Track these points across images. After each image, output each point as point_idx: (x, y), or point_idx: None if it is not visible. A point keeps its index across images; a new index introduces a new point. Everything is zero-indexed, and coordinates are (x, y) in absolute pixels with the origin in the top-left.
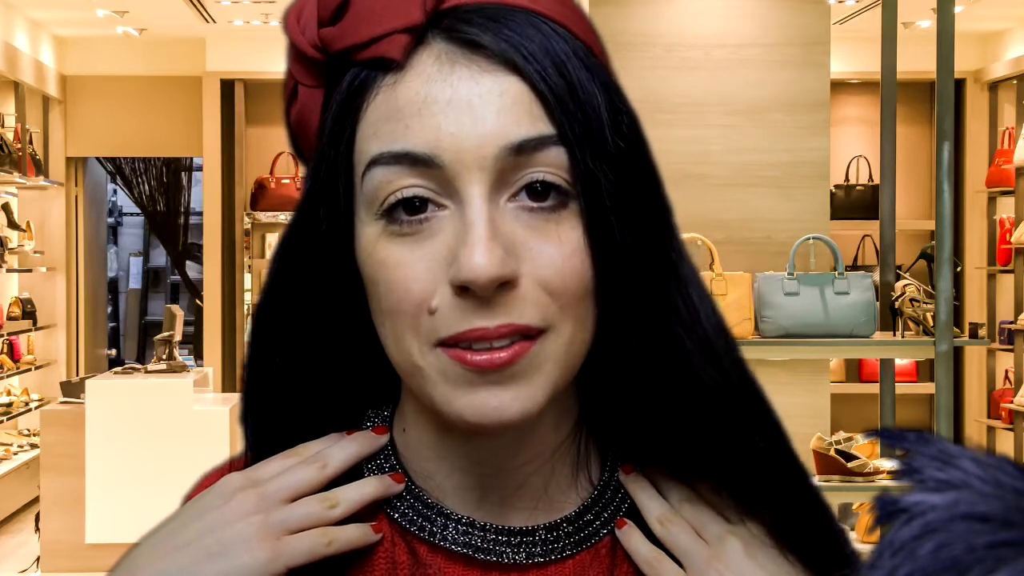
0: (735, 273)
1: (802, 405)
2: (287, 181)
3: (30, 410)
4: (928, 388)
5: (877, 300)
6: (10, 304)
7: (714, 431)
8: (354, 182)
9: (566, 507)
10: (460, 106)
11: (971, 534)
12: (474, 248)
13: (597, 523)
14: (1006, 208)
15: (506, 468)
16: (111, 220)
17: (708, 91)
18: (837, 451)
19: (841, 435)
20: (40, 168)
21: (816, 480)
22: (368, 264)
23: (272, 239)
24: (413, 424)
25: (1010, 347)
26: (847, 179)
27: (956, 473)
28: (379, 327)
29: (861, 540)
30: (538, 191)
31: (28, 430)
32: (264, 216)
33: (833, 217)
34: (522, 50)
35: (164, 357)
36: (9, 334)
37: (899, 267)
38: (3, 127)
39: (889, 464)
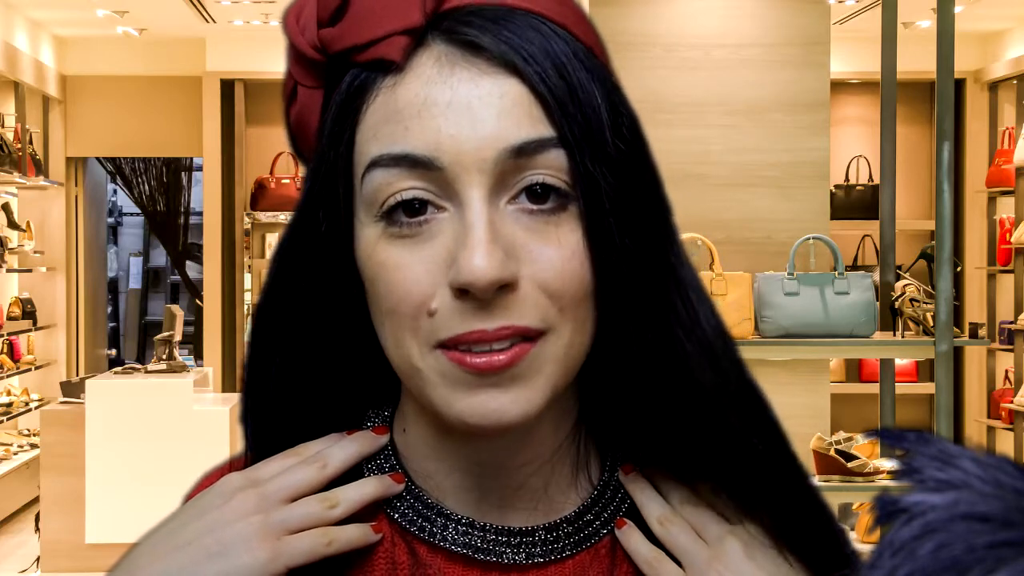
0: (735, 273)
1: (802, 405)
2: (287, 181)
3: (30, 410)
4: (928, 388)
5: (877, 300)
6: (10, 304)
7: (713, 433)
8: (354, 183)
9: (566, 507)
10: (460, 108)
11: (971, 534)
12: (474, 251)
13: (597, 523)
14: (1006, 208)
15: (506, 468)
16: (111, 220)
17: (708, 91)
18: (837, 451)
19: (841, 435)
20: (40, 168)
21: (816, 480)
22: (368, 266)
23: (272, 239)
24: (413, 424)
25: (1010, 347)
26: (847, 179)
27: (956, 473)
28: (379, 328)
29: (861, 540)
30: (538, 193)
31: (28, 430)
32: (264, 216)
33: (833, 217)
34: (522, 52)
35: (164, 357)
36: (9, 334)
37: (899, 267)
38: (3, 127)
39: (889, 464)
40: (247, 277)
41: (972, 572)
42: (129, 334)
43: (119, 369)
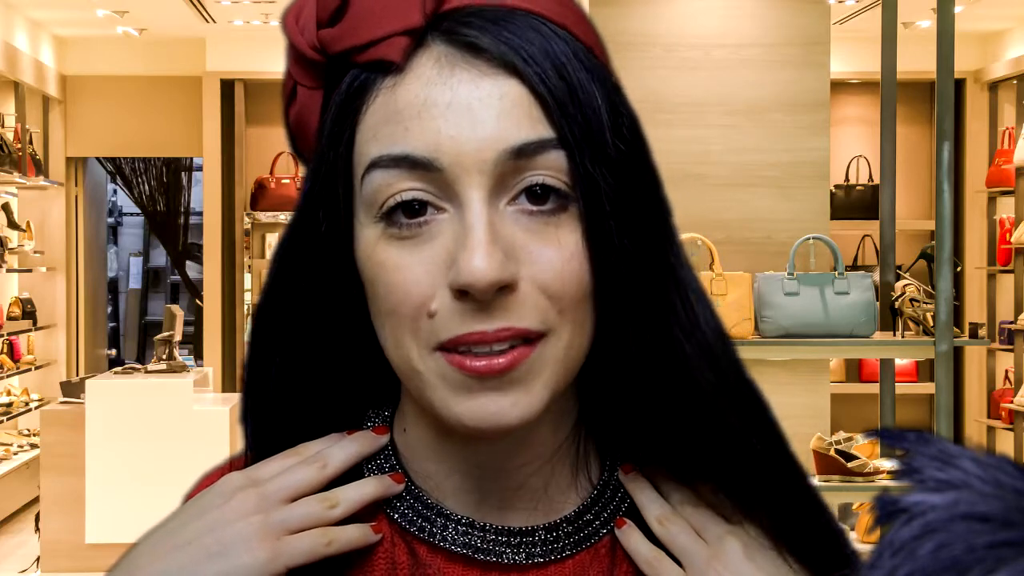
0: (735, 273)
1: (802, 405)
2: (287, 181)
3: (30, 410)
4: (928, 388)
5: (877, 300)
6: (10, 304)
7: (712, 433)
8: (353, 184)
9: (566, 507)
10: (460, 109)
11: (971, 534)
12: (473, 252)
13: (597, 523)
14: (1006, 208)
15: (506, 469)
16: (111, 220)
17: (708, 91)
18: (837, 451)
19: (841, 435)
20: (40, 168)
21: (816, 480)
22: (367, 266)
23: (272, 239)
24: (413, 425)
25: (1010, 347)
26: (847, 179)
27: (956, 473)
28: (379, 329)
29: (861, 540)
30: (538, 194)
31: (28, 430)
32: (264, 216)
33: (833, 217)
34: (522, 53)
35: (164, 357)
36: (9, 334)
37: (899, 267)
38: (3, 127)
39: (889, 464)
40: (247, 277)
41: (972, 572)
42: (129, 334)
43: (119, 369)
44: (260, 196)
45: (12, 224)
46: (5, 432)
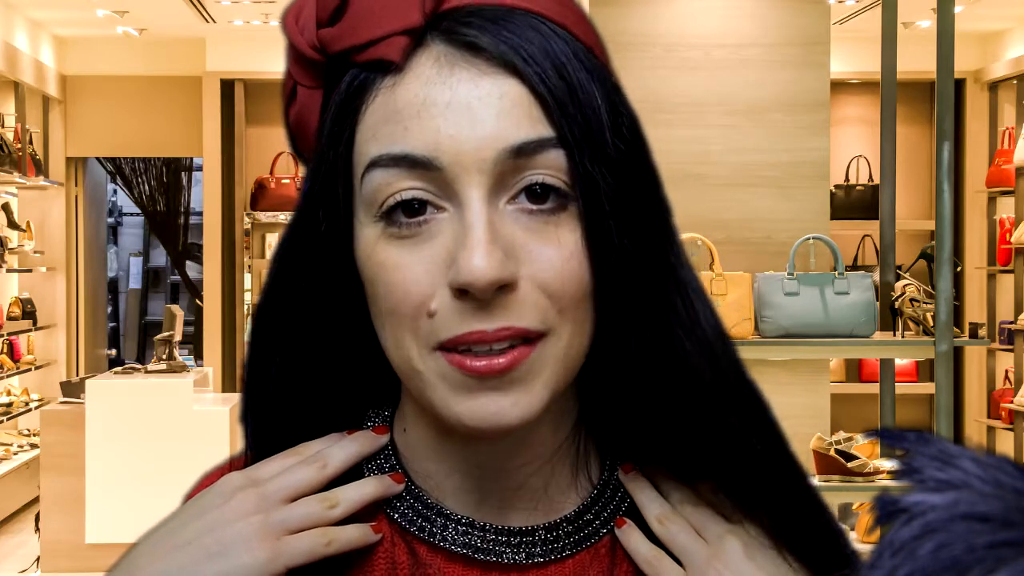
0: (735, 273)
1: (802, 405)
2: (287, 181)
3: (30, 410)
4: (928, 388)
5: (877, 300)
6: (10, 304)
7: (712, 432)
8: (353, 184)
9: (566, 507)
10: (459, 108)
11: (971, 534)
12: (473, 251)
13: (597, 523)
14: (1006, 208)
15: (506, 469)
16: (111, 220)
17: (708, 91)
18: (837, 451)
19: (841, 435)
20: (40, 168)
21: (816, 480)
22: (367, 266)
23: (272, 239)
24: (413, 424)
25: (1010, 347)
26: (847, 179)
27: (956, 473)
28: (379, 329)
29: (861, 540)
30: (537, 193)
31: (28, 430)
32: (264, 216)
33: (833, 217)
34: (522, 52)
35: (164, 357)
36: (9, 334)
37: (899, 267)
38: (3, 127)
39: (889, 464)
40: (247, 277)
41: (972, 572)
42: (129, 334)
43: (119, 369)
44: (260, 196)
45: (12, 224)
46: (5, 432)
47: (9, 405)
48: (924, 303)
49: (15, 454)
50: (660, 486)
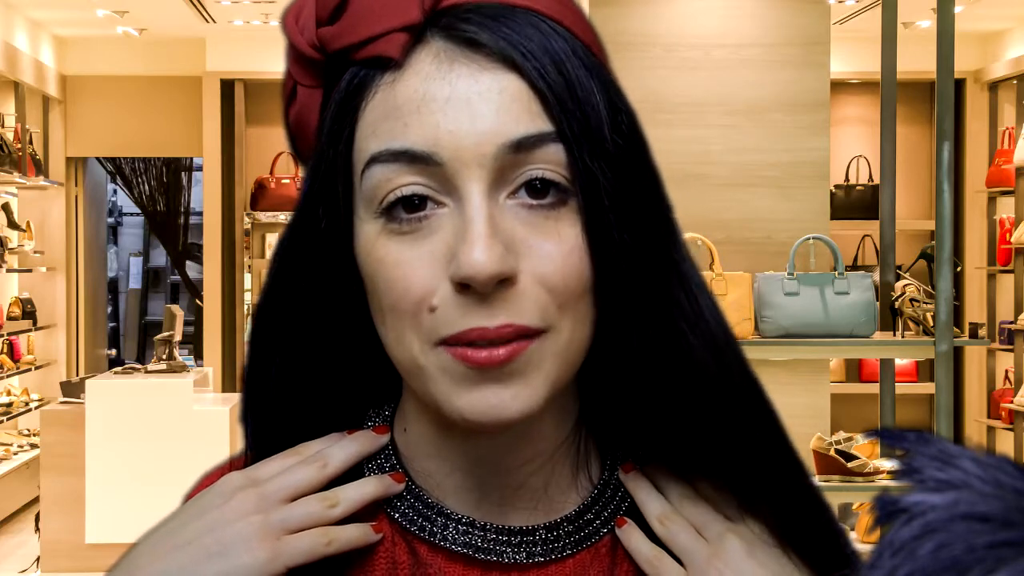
0: (735, 273)
1: (802, 405)
2: (287, 181)
3: (30, 410)
4: (928, 388)
5: (877, 300)
6: (10, 304)
7: (716, 427)
8: (353, 181)
9: (566, 506)
10: (459, 104)
11: (971, 534)
12: (474, 245)
13: (597, 522)
14: (1006, 208)
15: (506, 468)
16: (111, 220)
17: (708, 91)
18: (837, 451)
19: (841, 435)
20: (40, 168)
21: (816, 480)
22: (367, 262)
23: (272, 239)
24: (414, 424)
25: (1010, 347)
26: (847, 179)
27: (956, 473)
28: (379, 326)
29: (861, 540)
30: (537, 188)
31: (28, 430)
32: (264, 216)
33: (833, 217)
34: (521, 48)
35: (164, 357)
36: (9, 334)
37: (899, 267)
38: (3, 127)
39: (889, 464)
40: (247, 277)
41: (972, 572)
42: (129, 334)
43: (119, 369)
44: (260, 196)
45: (12, 224)
46: (5, 432)
47: (9, 405)
48: (924, 303)
49: (15, 454)
50: (660, 485)
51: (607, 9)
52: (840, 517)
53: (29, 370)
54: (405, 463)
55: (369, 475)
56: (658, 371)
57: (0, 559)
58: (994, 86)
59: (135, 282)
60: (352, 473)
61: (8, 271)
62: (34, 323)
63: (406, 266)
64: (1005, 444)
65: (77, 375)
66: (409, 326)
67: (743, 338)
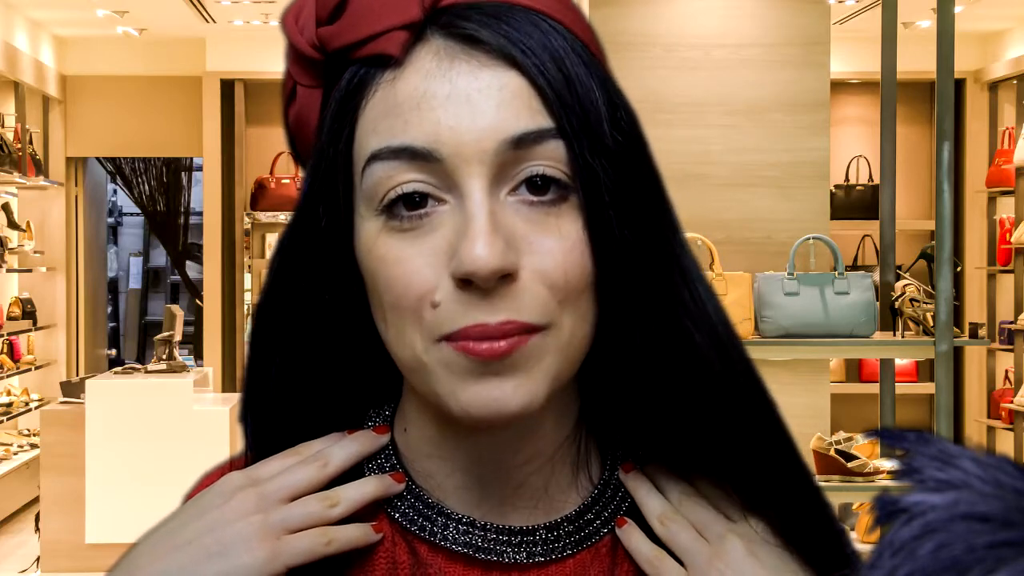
0: (735, 273)
1: (802, 405)
2: (287, 181)
3: (30, 410)
4: (928, 388)
5: (877, 300)
6: (10, 304)
7: (721, 424)
8: (353, 179)
9: (566, 506)
10: (459, 100)
11: (971, 534)
12: (475, 240)
13: (598, 522)
14: (1006, 208)
15: (507, 467)
16: (111, 220)
17: (708, 91)
18: (837, 451)
19: (841, 435)
20: (40, 168)
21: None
22: (368, 260)
23: (272, 239)
24: (414, 423)
25: (1010, 347)
26: (847, 179)
27: (956, 473)
28: (379, 324)
29: (861, 540)
30: (538, 185)
31: (28, 430)
32: (264, 216)
33: (833, 217)
34: (521, 45)
35: (164, 357)
36: (9, 334)
37: (899, 267)
38: (3, 127)
39: (889, 464)
40: (247, 277)
41: (972, 572)
42: (129, 334)
43: (119, 369)
44: (260, 196)
45: (12, 224)
46: (5, 432)
47: (9, 405)
48: (924, 303)
49: (15, 454)
50: (660, 484)
51: (607, 9)
52: (840, 517)
53: (29, 370)
54: (405, 463)
55: (369, 475)
56: (662, 368)
57: (0, 559)
58: (994, 86)
59: (135, 282)
60: (352, 473)
61: (8, 271)
62: (34, 323)
63: (407, 263)
64: (1005, 444)
65: (77, 375)
66: (410, 323)
67: (743, 338)
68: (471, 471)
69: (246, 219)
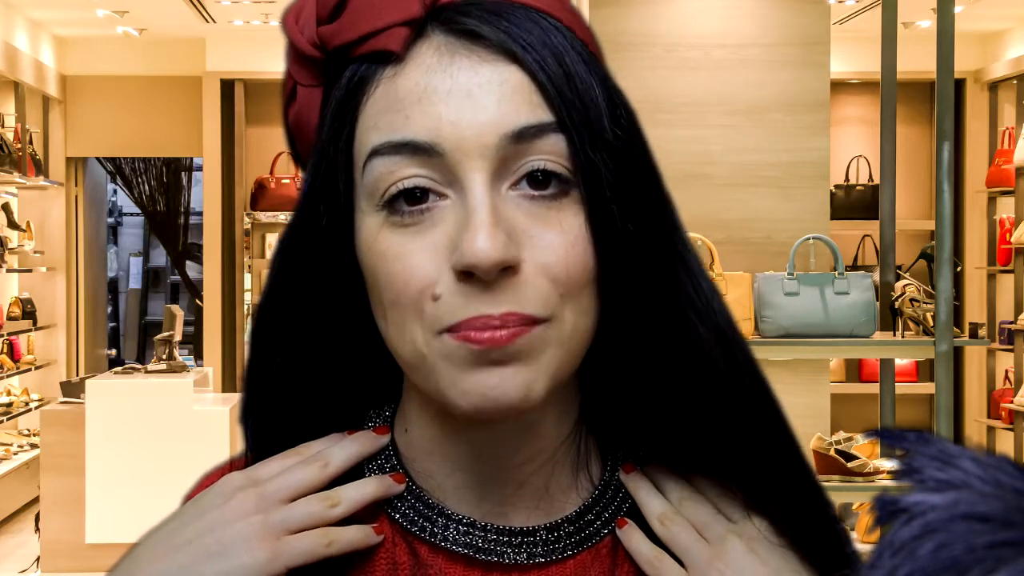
0: (735, 273)
1: (802, 405)
2: (287, 181)
3: (30, 410)
4: (928, 388)
5: (877, 300)
6: (10, 304)
7: (723, 422)
8: (354, 176)
9: (567, 507)
10: (460, 95)
11: (971, 534)
12: (477, 232)
13: (598, 523)
14: (1006, 208)
15: (507, 467)
16: (111, 220)
17: (708, 91)
18: (837, 451)
19: (841, 435)
20: (40, 168)
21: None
22: (369, 256)
23: (272, 239)
24: (415, 424)
25: (1010, 347)
26: (847, 179)
27: (956, 473)
28: (380, 320)
29: (861, 540)
30: (539, 179)
31: (28, 430)
32: (264, 216)
33: (833, 217)
34: (521, 41)
35: (164, 357)
36: (9, 334)
37: (899, 267)
38: (3, 127)
39: (889, 464)
40: (247, 277)
41: (972, 572)
42: (129, 334)
43: (119, 369)
44: (260, 196)
45: (12, 224)
46: (5, 432)
47: (9, 405)
48: (924, 303)
49: (15, 454)
50: (661, 485)
51: (607, 9)
52: (840, 517)
53: (29, 370)
54: (406, 464)
55: (370, 475)
56: (665, 363)
57: (0, 559)
58: (994, 86)
59: (135, 282)
60: (352, 474)
61: (8, 271)
62: (34, 323)
63: (408, 258)
64: (1005, 444)
65: (77, 375)
66: (411, 317)
67: None
68: (472, 470)
69: (246, 219)
